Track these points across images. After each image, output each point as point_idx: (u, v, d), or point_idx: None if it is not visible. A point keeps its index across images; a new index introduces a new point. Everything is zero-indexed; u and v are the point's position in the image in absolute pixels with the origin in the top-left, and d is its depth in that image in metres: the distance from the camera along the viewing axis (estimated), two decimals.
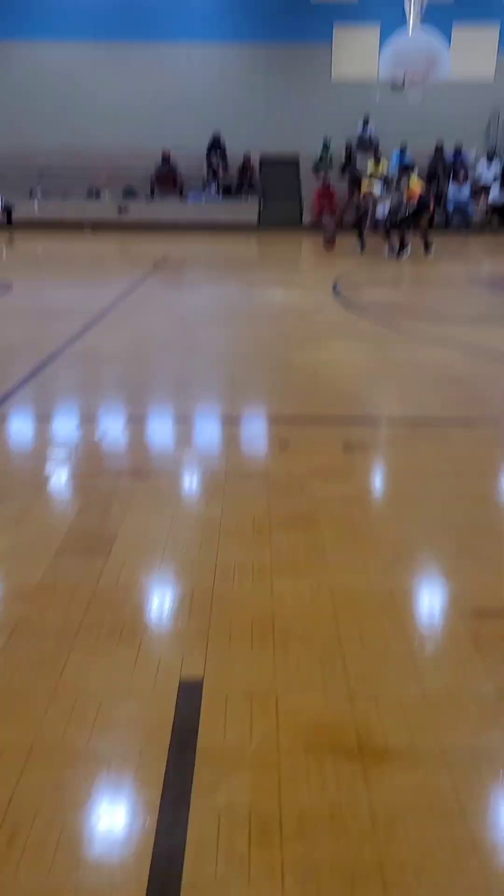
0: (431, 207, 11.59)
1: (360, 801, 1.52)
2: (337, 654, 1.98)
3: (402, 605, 2.23)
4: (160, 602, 2.24)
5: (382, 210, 11.65)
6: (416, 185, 11.15)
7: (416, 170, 12.42)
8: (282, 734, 1.70)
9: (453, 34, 17.08)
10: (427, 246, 11.48)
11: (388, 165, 15.88)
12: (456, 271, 10.70)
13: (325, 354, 5.42)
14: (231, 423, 3.98)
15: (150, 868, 1.37)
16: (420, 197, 11.10)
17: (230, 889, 1.34)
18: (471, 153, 17.80)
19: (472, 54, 17.85)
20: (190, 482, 3.18)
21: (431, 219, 12.35)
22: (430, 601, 2.29)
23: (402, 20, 15.59)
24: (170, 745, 1.67)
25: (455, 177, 16.77)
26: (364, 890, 1.34)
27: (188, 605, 2.20)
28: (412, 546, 2.57)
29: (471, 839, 1.45)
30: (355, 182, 13.53)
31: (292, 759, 1.63)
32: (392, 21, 16.24)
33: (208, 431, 3.88)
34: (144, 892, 1.33)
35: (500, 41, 18.33)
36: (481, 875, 1.38)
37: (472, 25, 18.00)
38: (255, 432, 3.90)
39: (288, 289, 8.60)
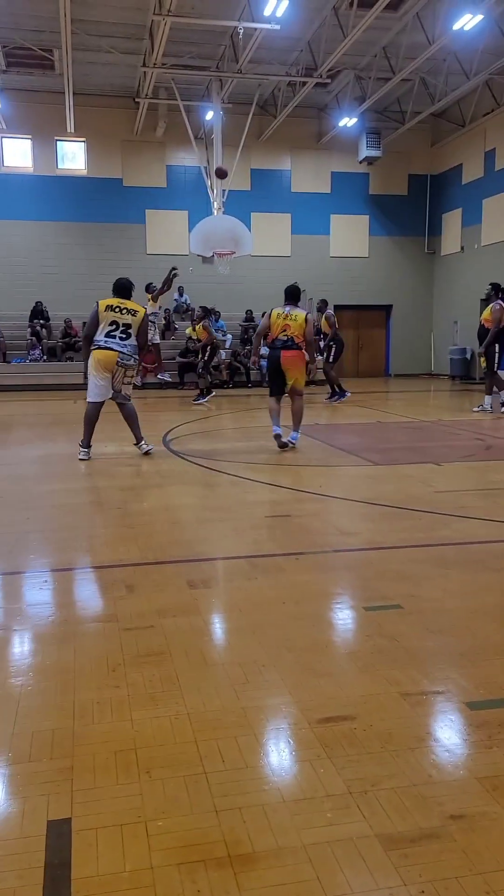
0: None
1: None
2: (200, 774, 2.08)
3: (254, 720, 2.39)
4: (19, 746, 2.23)
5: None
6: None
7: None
8: (154, 855, 1.76)
9: (252, 219, 19.45)
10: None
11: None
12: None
13: (162, 501, 5.66)
14: (75, 571, 4.05)
15: None
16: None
17: None
18: None
19: (271, 235, 20.34)
20: (37, 632, 3.19)
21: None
22: (279, 714, 2.46)
23: (207, 208, 17.61)
24: (43, 883, 1.67)
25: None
26: None
27: (49, 747, 2.21)
28: (259, 668, 2.75)
29: None
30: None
31: (166, 875, 1.69)
32: (198, 209, 18.30)
33: (54, 582, 3.91)
34: None
35: (292, 226, 21.10)
36: None
37: (268, 213, 20.63)
38: (100, 578, 3.98)
39: (119, 443, 8.89)
